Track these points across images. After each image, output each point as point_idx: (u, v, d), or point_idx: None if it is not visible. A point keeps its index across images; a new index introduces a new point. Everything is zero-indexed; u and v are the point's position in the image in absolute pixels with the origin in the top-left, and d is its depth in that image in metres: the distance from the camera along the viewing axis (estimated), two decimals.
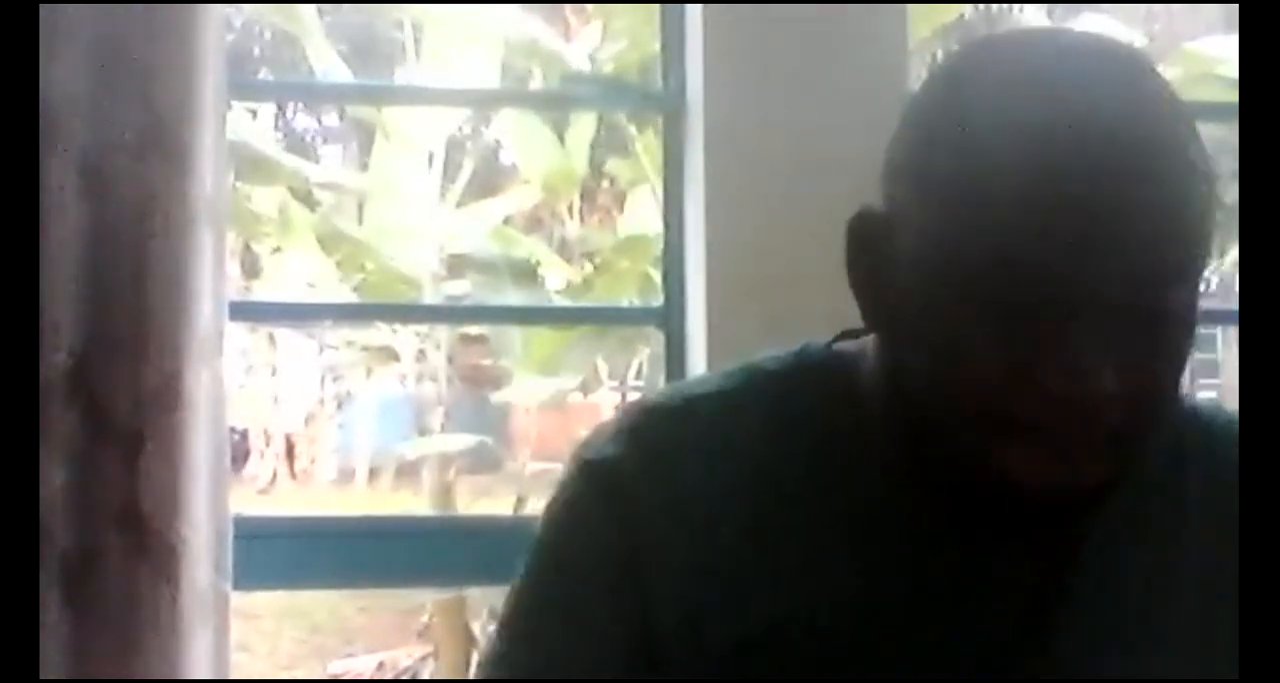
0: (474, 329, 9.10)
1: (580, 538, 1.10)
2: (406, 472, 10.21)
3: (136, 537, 1.64)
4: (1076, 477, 0.98)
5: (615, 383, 9.47)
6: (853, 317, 1.06)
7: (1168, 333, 0.98)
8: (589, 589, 1.08)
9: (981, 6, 8.86)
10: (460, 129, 8.56)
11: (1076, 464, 0.97)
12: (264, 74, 10.93)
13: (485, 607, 6.58)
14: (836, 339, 1.12)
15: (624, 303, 7.57)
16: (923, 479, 1.04)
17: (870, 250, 1.04)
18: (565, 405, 8.75)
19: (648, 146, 6.89)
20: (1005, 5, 8.98)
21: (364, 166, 9.45)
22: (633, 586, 1.07)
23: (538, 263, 8.33)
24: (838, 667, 1.05)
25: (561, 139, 7.84)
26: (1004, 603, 1.06)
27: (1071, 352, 0.95)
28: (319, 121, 11.32)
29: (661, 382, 1.90)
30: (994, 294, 0.96)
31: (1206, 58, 7.07)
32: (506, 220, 8.67)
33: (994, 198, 0.95)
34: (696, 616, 1.06)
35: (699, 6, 2.04)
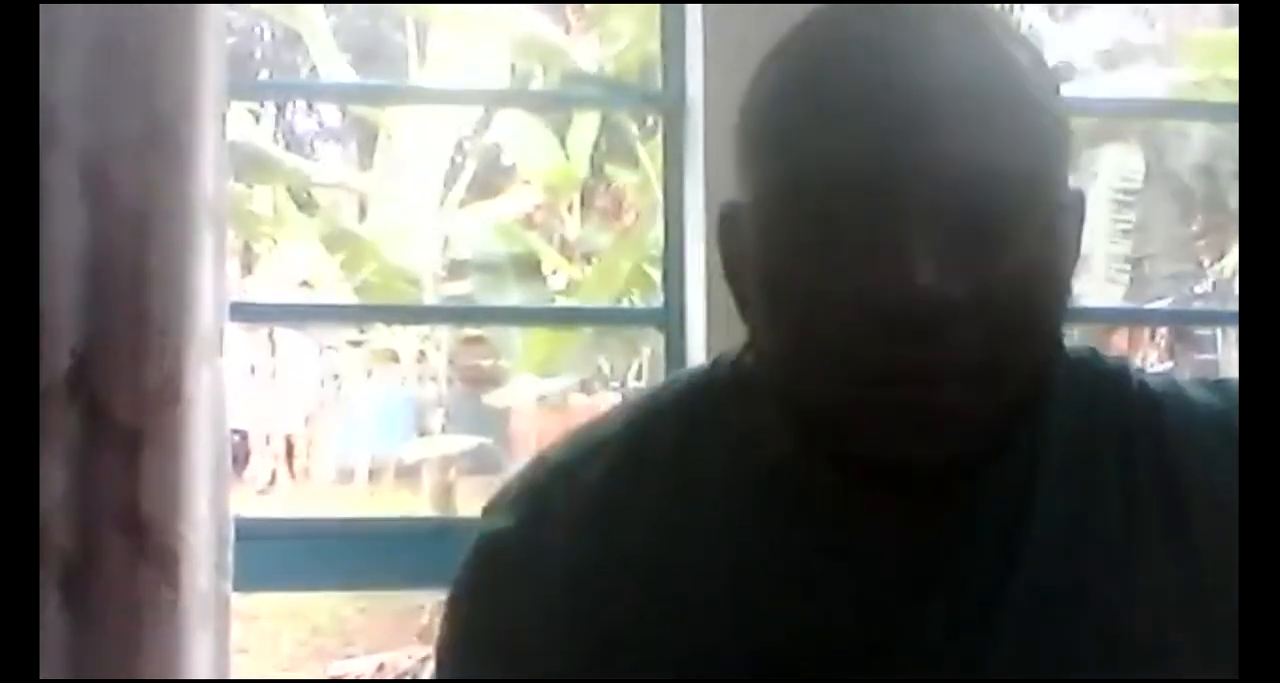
0: (474, 330, 9.10)
1: (470, 616, 1.11)
2: (406, 473, 10.22)
3: (137, 537, 1.64)
4: (952, 420, 0.97)
5: (616, 383, 9.47)
6: None
7: (1012, 248, 0.97)
8: (481, 669, 1.08)
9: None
10: (461, 130, 8.57)
11: (947, 405, 0.96)
12: (265, 76, 10.93)
13: None
14: (748, 347, 1.11)
15: (624, 303, 7.57)
16: (818, 464, 1.04)
17: (731, 240, 1.05)
18: (566, 406, 8.75)
19: (651, 150, 6.89)
20: (1004, 5, 8.98)
21: (366, 167, 9.46)
22: (522, 665, 1.06)
23: (539, 261, 8.33)
24: None
25: (563, 140, 7.85)
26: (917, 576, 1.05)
27: (904, 265, 0.94)
28: (319, 124, 11.33)
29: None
30: (820, 236, 0.96)
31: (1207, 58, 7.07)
32: (509, 223, 8.68)
33: (799, 134, 0.97)
34: None
35: (699, 6, 2.03)
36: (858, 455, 0.99)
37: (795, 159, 0.97)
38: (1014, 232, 0.96)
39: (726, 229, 1.05)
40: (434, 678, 1.14)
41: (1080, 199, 1.04)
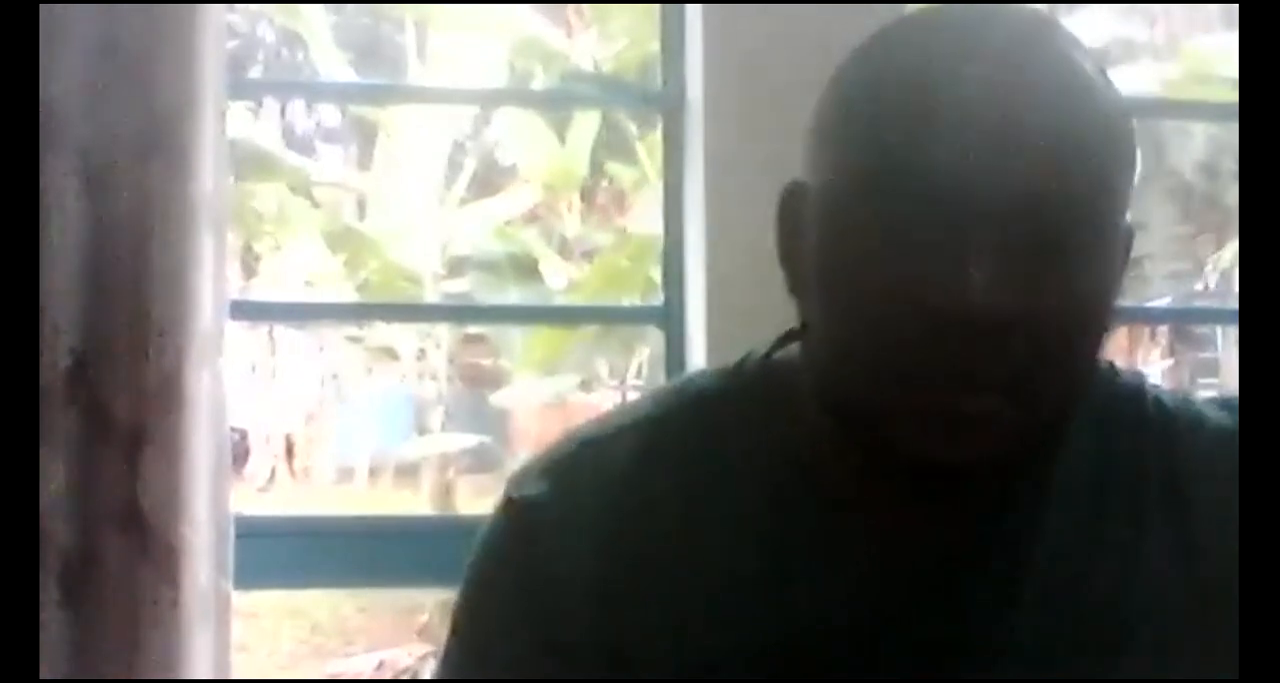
0: (474, 328, 9.11)
1: (499, 578, 1.10)
2: (406, 471, 10.22)
3: (137, 537, 1.64)
4: (986, 427, 0.97)
5: (616, 382, 9.48)
6: None
7: (1069, 269, 0.97)
8: (506, 631, 1.09)
9: None
10: (461, 129, 8.58)
11: (984, 413, 0.96)
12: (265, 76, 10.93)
13: None
14: (778, 345, 1.11)
15: (624, 302, 7.58)
16: (850, 467, 1.04)
17: (792, 219, 1.04)
18: (565, 405, 8.75)
19: (650, 148, 6.88)
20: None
21: (365, 167, 9.46)
22: (549, 627, 1.07)
23: (539, 260, 8.32)
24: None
25: (562, 139, 7.85)
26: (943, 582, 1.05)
27: (963, 272, 0.94)
28: (317, 124, 11.33)
29: (662, 381, 1.90)
30: (884, 234, 0.96)
31: (1206, 56, 7.06)
32: (509, 222, 8.69)
33: (878, 130, 0.97)
34: (624, 656, 1.06)
35: (699, 6, 2.04)
36: (886, 451, 0.99)
37: (872, 155, 0.97)
38: (1075, 253, 0.97)
39: (788, 208, 1.05)
40: (434, 678, 1.14)
41: (1130, 233, 1.04)
